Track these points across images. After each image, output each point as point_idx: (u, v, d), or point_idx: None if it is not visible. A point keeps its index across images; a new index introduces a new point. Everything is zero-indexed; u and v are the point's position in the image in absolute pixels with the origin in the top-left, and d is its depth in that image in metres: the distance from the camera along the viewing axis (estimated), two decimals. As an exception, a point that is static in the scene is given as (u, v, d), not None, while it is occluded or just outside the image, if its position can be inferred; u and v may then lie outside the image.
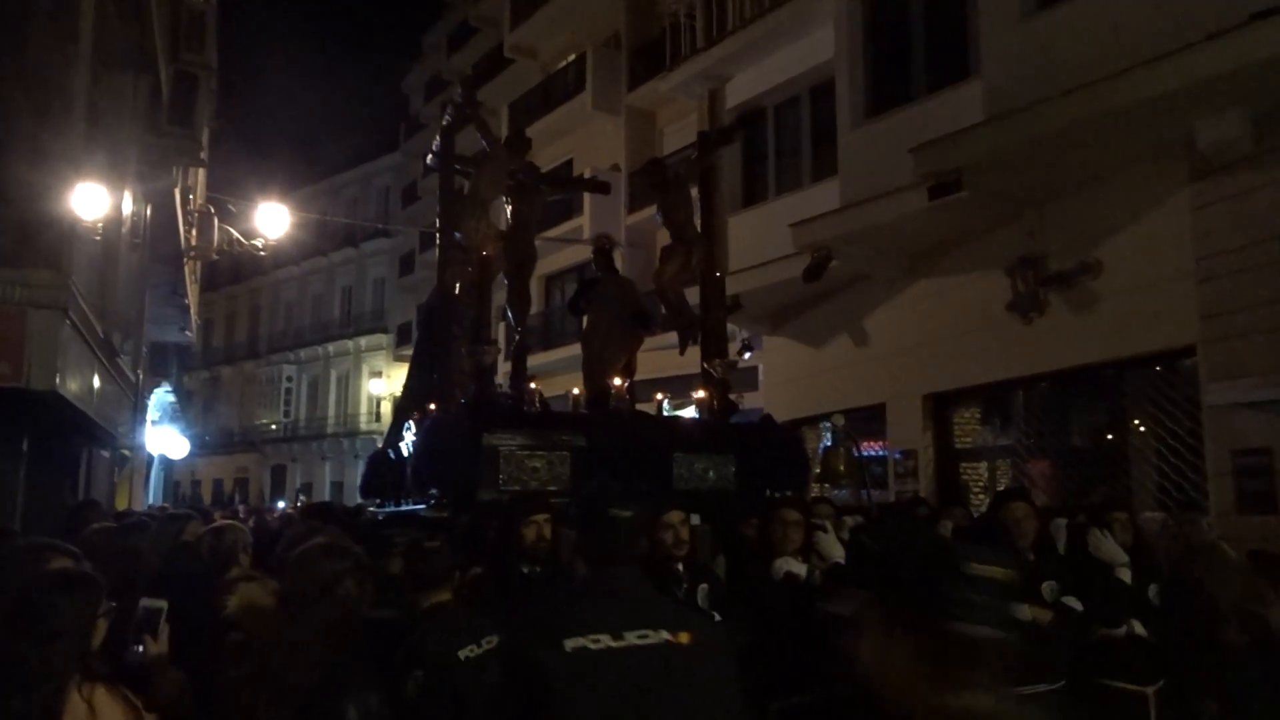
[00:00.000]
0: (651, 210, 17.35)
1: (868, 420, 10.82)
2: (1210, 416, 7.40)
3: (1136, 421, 8.47)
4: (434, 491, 6.34)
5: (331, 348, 36.89)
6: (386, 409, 33.83)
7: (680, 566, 4.26)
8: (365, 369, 35.72)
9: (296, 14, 65.31)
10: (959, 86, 9.37)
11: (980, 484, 10.10)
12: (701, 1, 15.06)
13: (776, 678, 4.31)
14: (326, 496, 31.85)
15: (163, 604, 2.78)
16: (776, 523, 4.69)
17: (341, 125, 60.98)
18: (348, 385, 36.40)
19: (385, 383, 34.38)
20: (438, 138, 8.27)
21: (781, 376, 12.87)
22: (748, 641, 4.08)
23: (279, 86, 65.91)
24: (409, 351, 34.23)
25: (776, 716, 4.34)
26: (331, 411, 36.59)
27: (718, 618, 3.96)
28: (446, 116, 8.17)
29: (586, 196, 18.24)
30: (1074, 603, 4.24)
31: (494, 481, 6.21)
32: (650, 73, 17.44)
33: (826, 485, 8.91)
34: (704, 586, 4.27)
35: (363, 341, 35.82)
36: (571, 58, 20.31)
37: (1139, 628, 4.28)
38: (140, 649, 2.59)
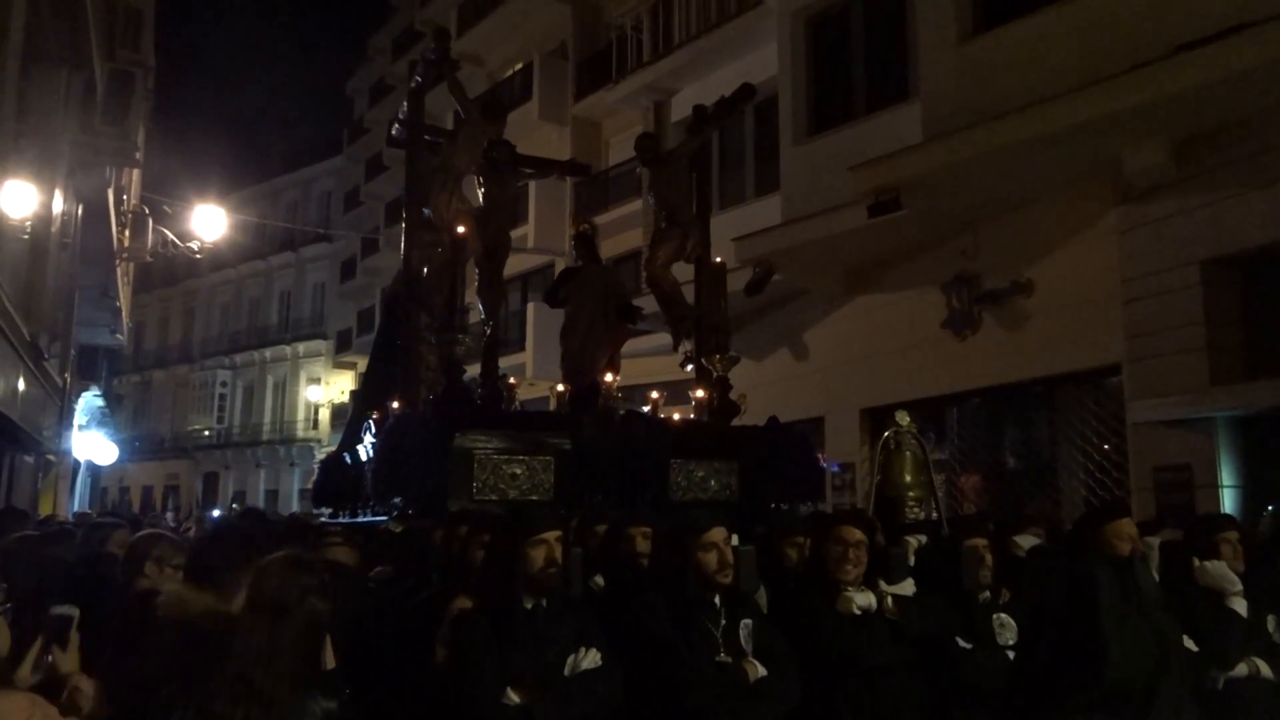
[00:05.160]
0: (596, 218, 17.45)
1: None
2: (1134, 433, 7.64)
3: (1065, 437, 8.71)
4: (397, 500, 5.64)
5: (268, 353, 36.16)
6: (325, 416, 33.30)
7: (716, 599, 3.37)
8: (303, 375, 35.11)
9: (238, 13, 64.28)
10: (898, 107, 9.57)
11: (914, 497, 10.26)
12: (648, 15, 15.18)
13: None
14: (261, 505, 31.16)
15: (73, 611, 2.67)
16: (834, 543, 3.66)
17: (282, 128, 59.94)
18: (284, 392, 35.72)
19: (323, 389, 33.82)
20: (404, 103, 7.38)
21: (722, 389, 12.93)
22: (800, 695, 3.28)
23: (218, 87, 64.70)
24: (349, 358, 33.77)
25: None
26: (267, 418, 35.87)
27: (761, 670, 3.22)
28: (416, 78, 7.24)
29: (531, 204, 18.19)
30: (1187, 642, 3.47)
31: (466, 489, 5.48)
32: (597, 84, 17.50)
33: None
34: (747, 622, 3.37)
35: (301, 347, 35.18)
36: (518, 66, 20.28)
37: (1264, 668, 3.59)
38: (49, 659, 2.51)
